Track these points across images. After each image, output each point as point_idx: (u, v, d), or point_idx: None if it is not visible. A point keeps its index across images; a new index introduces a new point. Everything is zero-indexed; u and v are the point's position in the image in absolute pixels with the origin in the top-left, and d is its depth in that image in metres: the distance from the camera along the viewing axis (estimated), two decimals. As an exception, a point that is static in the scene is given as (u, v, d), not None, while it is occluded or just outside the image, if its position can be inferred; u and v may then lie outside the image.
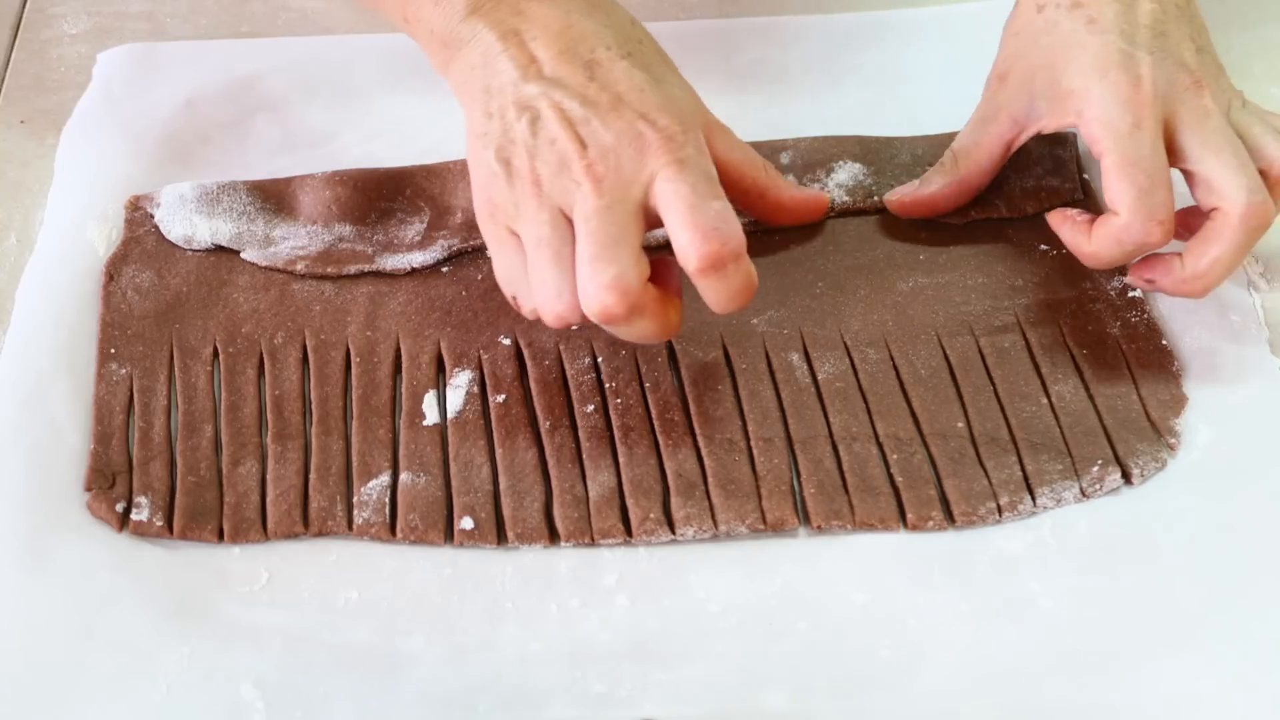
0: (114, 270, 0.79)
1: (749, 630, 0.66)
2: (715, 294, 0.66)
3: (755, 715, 0.63)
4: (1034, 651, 0.65)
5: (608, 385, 0.74)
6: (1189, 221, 0.72)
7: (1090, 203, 0.81)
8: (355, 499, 0.70)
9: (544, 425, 0.72)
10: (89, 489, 0.70)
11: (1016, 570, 0.68)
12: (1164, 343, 0.76)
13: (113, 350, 0.75)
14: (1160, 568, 0.67)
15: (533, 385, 0.74)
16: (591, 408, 0.73)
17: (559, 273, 0.66)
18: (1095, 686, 0.64)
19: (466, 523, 0.69)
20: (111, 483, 0.70)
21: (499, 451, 0.71)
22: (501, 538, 0.69)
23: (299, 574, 0.68)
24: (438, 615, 0.67)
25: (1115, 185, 0.69)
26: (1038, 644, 0.65)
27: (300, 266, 0.78)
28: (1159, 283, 0.73)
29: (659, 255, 0.68)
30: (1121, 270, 0.78)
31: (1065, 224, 0.74)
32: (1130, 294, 0.78)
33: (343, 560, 0.69)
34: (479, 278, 0.78)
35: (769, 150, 0.82)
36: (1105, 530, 0.69)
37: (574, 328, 0.71)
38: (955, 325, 0.76)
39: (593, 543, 0.69)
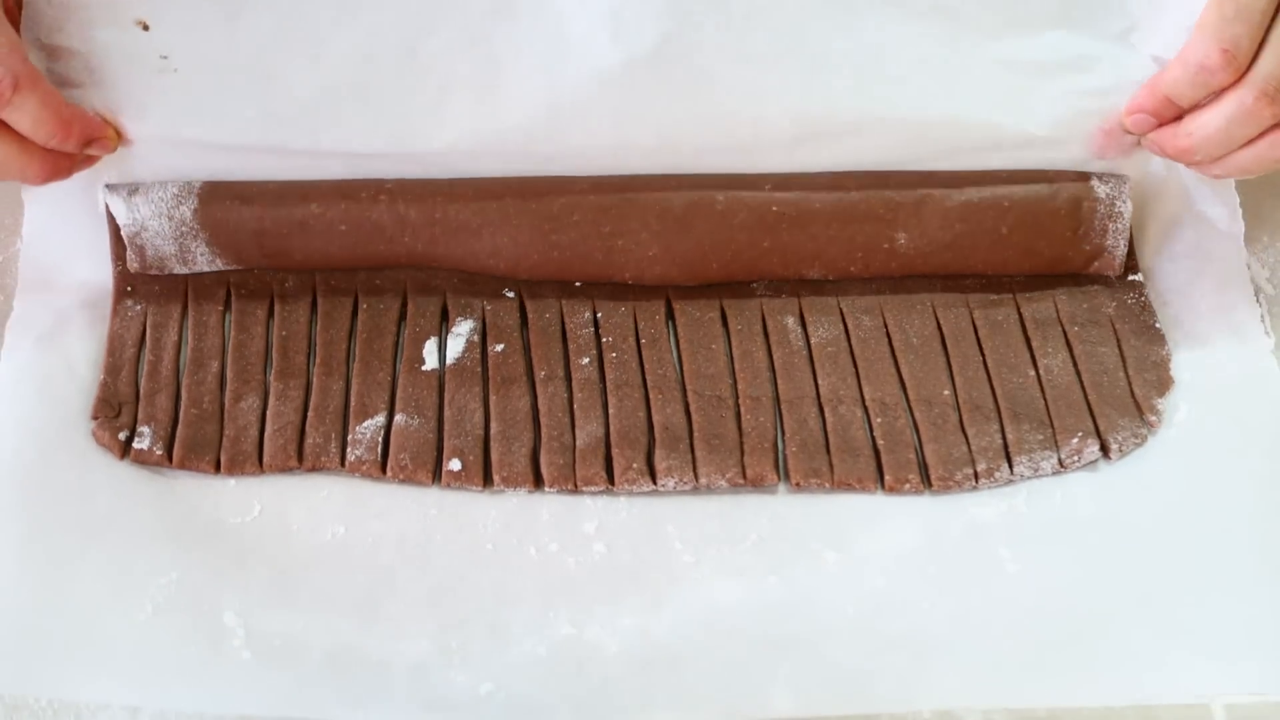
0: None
1: (719, 581, 0.67)
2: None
3: (718, 661, 0.64)
4: (997, 612, 0.66)
5: (604, 339, 0.75)
6: None
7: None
8: (350, 437, 0.72)
9: (539, 375, 0.74)
10: (95, 418, 0.72)
11: (988, 535, 0.68)
12: (1157, 325, 0.76)
13: (129, 288, 0.77)
14: (1129, 540, 0.68)
15: (532, 336, 0.75)
16: (587, 360, 0.74)
17: None
18: (1057, 648, 0.65)
19: (454, 464, 0.70)
20: (117, 412, 0.72)
21: (493, 398, 0.73)
22: (487, 480, 0.71)
23: (289, 508, 0.70)
24: (419, 553, 0.68)
25: (1206, 8, 0.67)
26: (1001, 605, 0.66)
27: None
28: (1155, 122, 0.72)
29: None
30: (1131, 256, 0.78)
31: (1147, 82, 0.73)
32: (1130, 277, 0.78)
33: (333, 496, 0.70)
34: None
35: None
36: (1078, 501, 0.70)
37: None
38: (951, 296, 0.77)
39: (576, 490, 0.70)
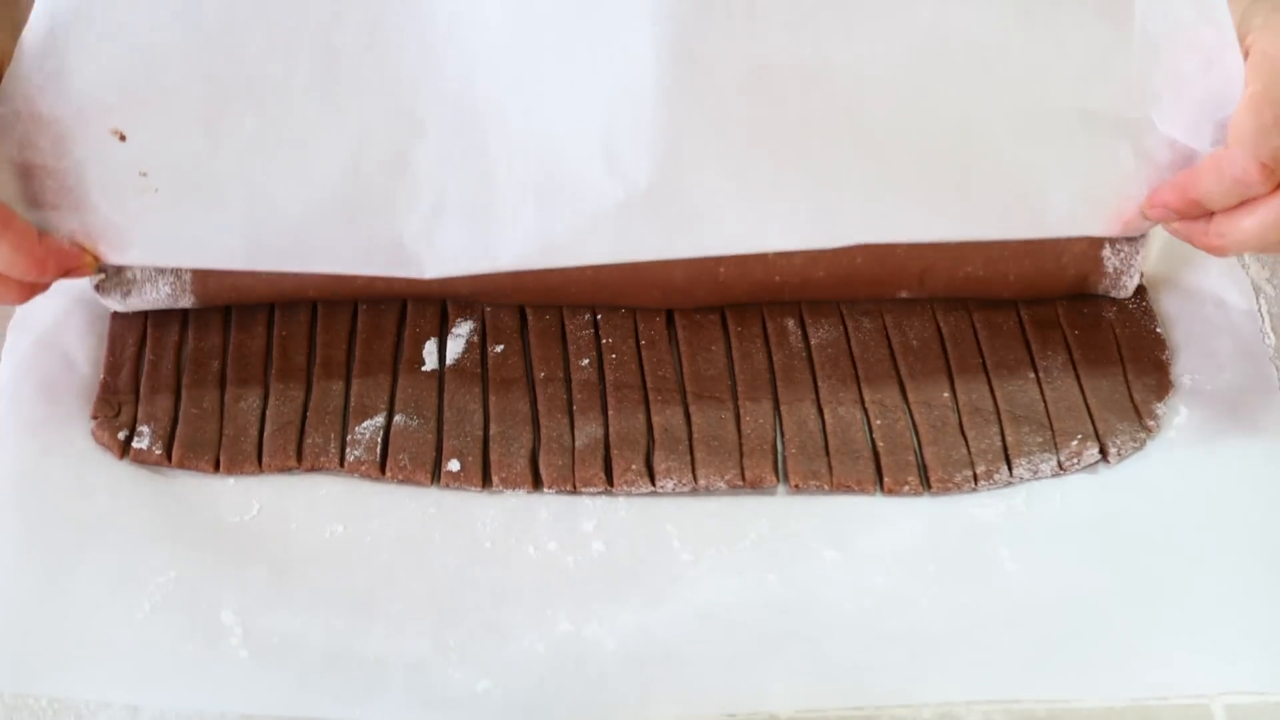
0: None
1: (718, 579, 0.67)
2: None
3: (716, 657, 0.64)
4: (997, 611, 0.66)
5: (604, 341, 0.75)
6: None
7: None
8: (349, 437, 0.72)
9: (538, 376, 0.74)
10: (95, 417, 0.72)
11: (987, 535, 0.69)
12: (1158, 330, 0.76)
13: (130, 288, 0.77)
14: (1130, 539, 0.68)
15: (532, 338, 0.75)
16: (586, 361, 0.74)
17: None
18: (1056, 647, 0.65)
19: (453, 465, 0.70)
20: (117, 411, 0.72)
21: (492, 399, 0.73)
22: (486, 481, 0.70)
23: (288, 507, 0.70)
24: (418, 552, 0.68)
25: (1240, 115, 0.65)
26: (1001, 604, 0.66)
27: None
28: (1178, 217, 0.70)
29: None
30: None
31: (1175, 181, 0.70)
32: None
33: (332, 495, 0.70)
34: None
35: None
36: (1078, 503, 0.70)
37: None
38: (951, 299, 0.77)
39: (575, 491, 0.70)
